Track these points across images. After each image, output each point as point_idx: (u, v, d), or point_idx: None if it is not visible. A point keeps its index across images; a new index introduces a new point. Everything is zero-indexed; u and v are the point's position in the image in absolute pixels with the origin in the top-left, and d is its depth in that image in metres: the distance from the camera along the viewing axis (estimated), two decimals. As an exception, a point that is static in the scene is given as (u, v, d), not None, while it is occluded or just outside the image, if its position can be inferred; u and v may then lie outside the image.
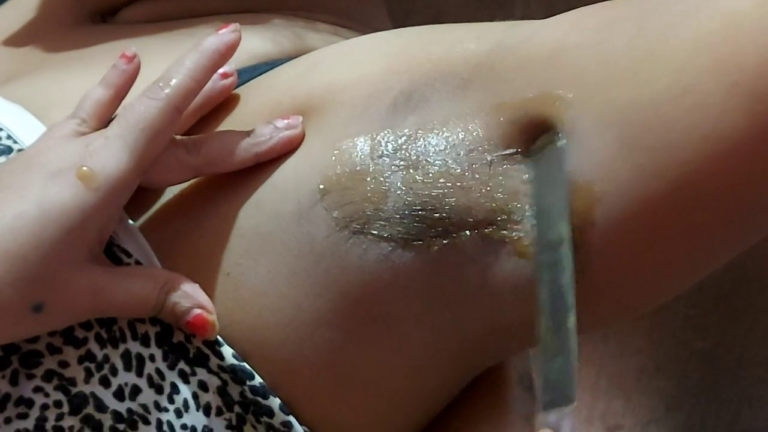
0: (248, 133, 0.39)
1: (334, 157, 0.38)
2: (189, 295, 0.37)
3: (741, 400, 0.82)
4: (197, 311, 0.37)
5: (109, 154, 0.36)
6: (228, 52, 0.40)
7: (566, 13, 0.39)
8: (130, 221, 0.39)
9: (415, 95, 0.38)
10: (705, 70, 0.33)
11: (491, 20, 0.42)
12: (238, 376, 0.38)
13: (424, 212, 0.36)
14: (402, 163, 0.37)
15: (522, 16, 0.41)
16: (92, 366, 0.37)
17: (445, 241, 0.37)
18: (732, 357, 0.83)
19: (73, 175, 0.35)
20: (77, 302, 0.36)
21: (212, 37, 0.39)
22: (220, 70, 0.41)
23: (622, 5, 0.37)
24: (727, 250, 0.37)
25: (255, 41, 0.46)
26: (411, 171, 0.37)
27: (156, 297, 0.37)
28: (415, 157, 0.37)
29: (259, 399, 0.38)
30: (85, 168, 0.36)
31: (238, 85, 0.43)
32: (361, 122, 0.38)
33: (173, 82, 0.38)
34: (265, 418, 0.39)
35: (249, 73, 0.44)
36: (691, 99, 0.33)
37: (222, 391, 0.39)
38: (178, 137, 0.40)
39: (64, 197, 0.35)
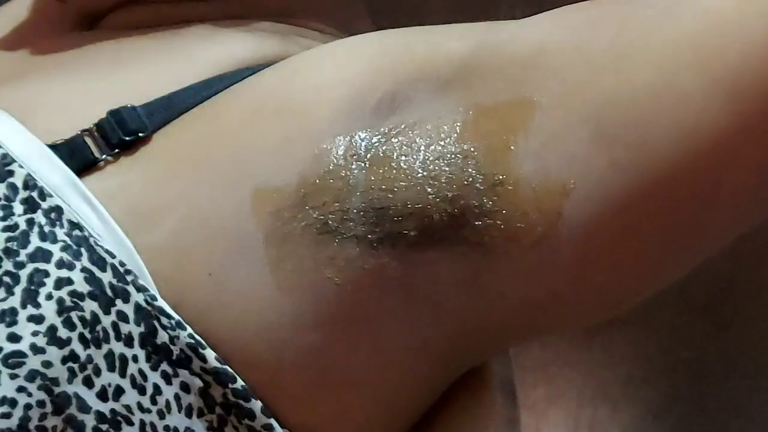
0: None
1: (313, 158, 0.38)
2: None
3: (728, 410, 0.82)
4: None
5: None
6: None
7: (549, 12, 0.39)
8: (113, 222, 0.40)
9: (399, 95, 0.39)
10: (687, 67, 0.34)
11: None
12: (220, 378, 0.38)
13: (383, 210, 0.37)
14: (369, 162, 0.37)
15: (507, 19, 0.42)
16: (75, 366, 0.37)
17: (411, 240, 0.37)
18: (719, 367, 0.83)
19: None
20: None
21: None
22: None
23: (604, 4, 0.38)
24: (712, 243, 0.37)
25: (238, 46, 0.46)
26: (375, 169, 0.37)
27: None
28: (381, 156, 0.37)
29: (241, 402, 0.39)
30: None
31: (221, 90, 0.43)
32: (344, 123, 0.39)
33: None
34: (246, 421, 0.39)
35: (231, 79, 0.44)
36: (673, 95, 0.34)
37: (204, 393, 0.39)
38: None
39: None
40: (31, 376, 0.37)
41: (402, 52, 0.40)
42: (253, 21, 0.49)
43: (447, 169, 0.37)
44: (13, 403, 0.37)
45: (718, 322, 0.83)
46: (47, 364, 0.37)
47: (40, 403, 0.37)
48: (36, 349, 0.37)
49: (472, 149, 0.37)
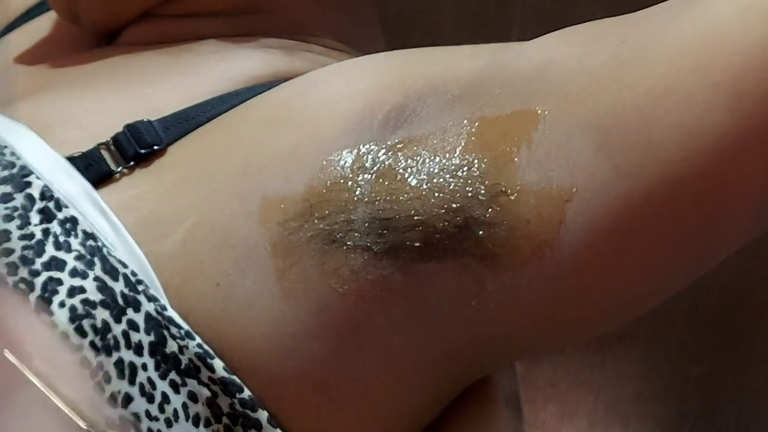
0: None
1: (320, 169, 0.39)
2: None
3: (738, 426, 0.82)
4: None
5: None
6: None
7: (555, 31, 0.40)
8: (126, 233, 0.41)
9: (407, 110, 0.40)
10: (688, 72, 0.34)
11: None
12: (228, 388, 0.39)
13: (387, 221, 0.38)
14: (375, 174, 0.38)
15: (518, 40, 0.43)
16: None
17: (415, 251, 0.38)
18: (728, 383, 0.83)
19: None
20: None
21: None
22: None
23: (607, 22, 0.39)
24: (717, 248, 0.37)
25: (249, 62, 0.47)
26: (380, 181, 0.38)
27: None
28: (387, 169, 0.38)
29: (248, 412, 0.39)
30: None
31: (236, 105, 0.44)
32: (353, 135, 0.39)
33: None
34: (253, 431, 0.40)
35: (246, 94, 0.45)
36: (674, 99, 0.34)
37: (211, 403, 0.40)
38: None
39: None
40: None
41: (412, 69, 0.41)
42: (266, 39, 0.50)
43: (451, 180, 0.37)
44: None
45: (727, 339, 0.83)
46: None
47: None
48: None
49: (475, 161, 0.37)
